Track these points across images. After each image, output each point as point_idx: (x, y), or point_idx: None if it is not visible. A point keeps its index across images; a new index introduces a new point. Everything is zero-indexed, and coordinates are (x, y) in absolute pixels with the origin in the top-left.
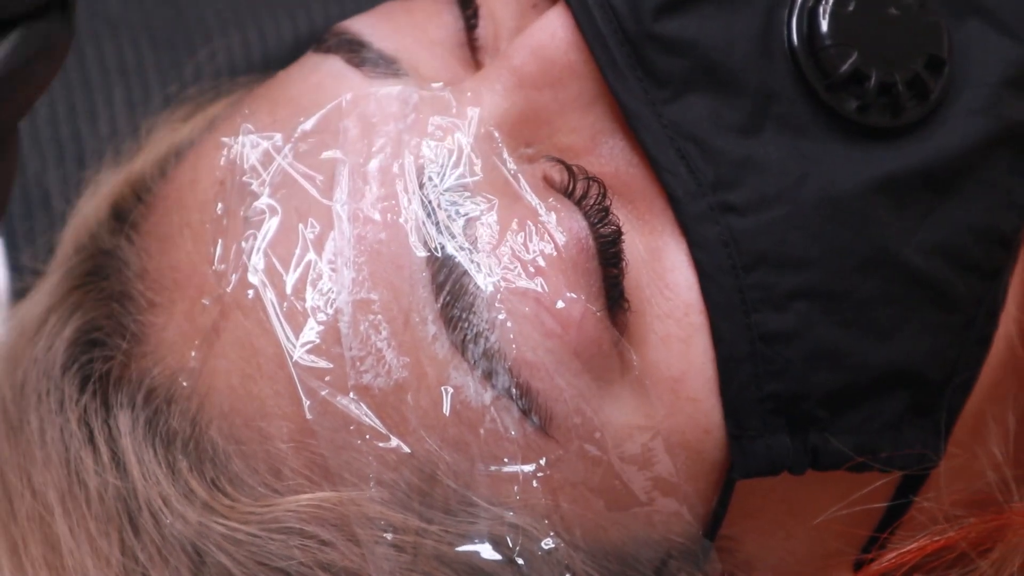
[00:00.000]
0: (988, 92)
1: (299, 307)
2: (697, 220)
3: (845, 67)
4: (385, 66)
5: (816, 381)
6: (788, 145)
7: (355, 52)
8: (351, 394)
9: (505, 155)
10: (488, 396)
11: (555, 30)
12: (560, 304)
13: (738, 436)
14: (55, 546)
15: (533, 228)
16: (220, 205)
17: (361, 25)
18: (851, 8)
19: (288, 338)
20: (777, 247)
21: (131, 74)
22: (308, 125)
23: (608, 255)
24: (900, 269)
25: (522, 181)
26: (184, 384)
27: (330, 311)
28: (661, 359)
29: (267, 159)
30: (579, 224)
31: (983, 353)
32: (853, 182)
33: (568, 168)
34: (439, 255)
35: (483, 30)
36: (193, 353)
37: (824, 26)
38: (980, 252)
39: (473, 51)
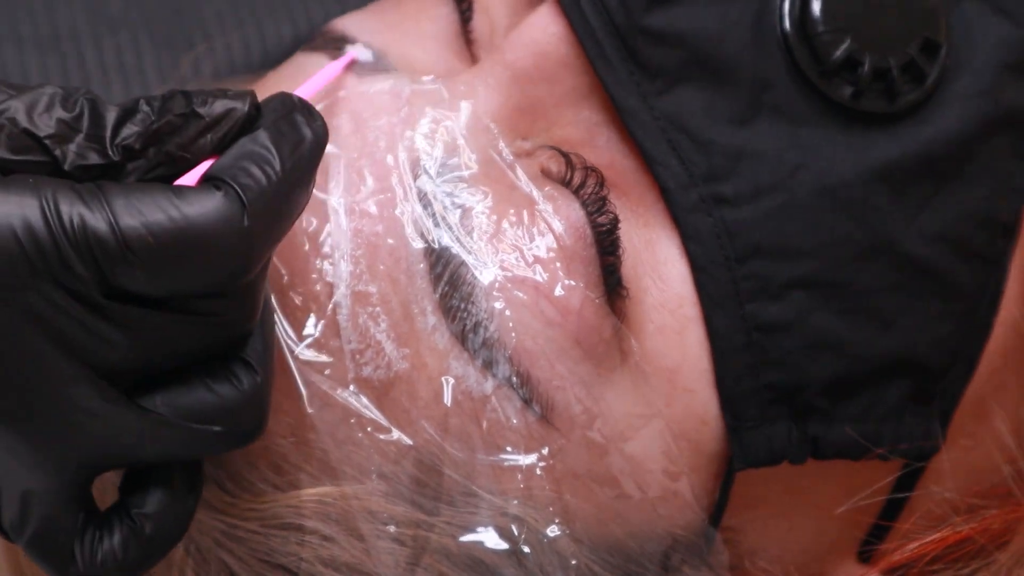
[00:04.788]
0: (986, 76)
1: (297, 302)
2: (689, 212)
3: (838, 53)
4: (374, 62)
5: (815, 370)
6: (783, 134)
7: (342, 49)
8: (351, 387)
9: (501, 146)
10: (489, 386)
11: (547, 25)
12: (559, 292)
13: (736, 427)
14: None
15: (530, 217)
16: None
17: (348, 23)
18: None
19: (287, 333)
20: (772, 237)
21: (131, 74)
22: None
23: (605, 243)
24: (900, 257)
25: (518, 171)
26: None
27: (328, 305)
28: (658, 349)
29: None
30: (576, 213)
31: (984, 340)
32: (850, 169)
33: (566, 157)
34: (436, 246)
35: (478, 23)
36: None
37: (817, 12)
38: (981, 238)
39: (468, 44)
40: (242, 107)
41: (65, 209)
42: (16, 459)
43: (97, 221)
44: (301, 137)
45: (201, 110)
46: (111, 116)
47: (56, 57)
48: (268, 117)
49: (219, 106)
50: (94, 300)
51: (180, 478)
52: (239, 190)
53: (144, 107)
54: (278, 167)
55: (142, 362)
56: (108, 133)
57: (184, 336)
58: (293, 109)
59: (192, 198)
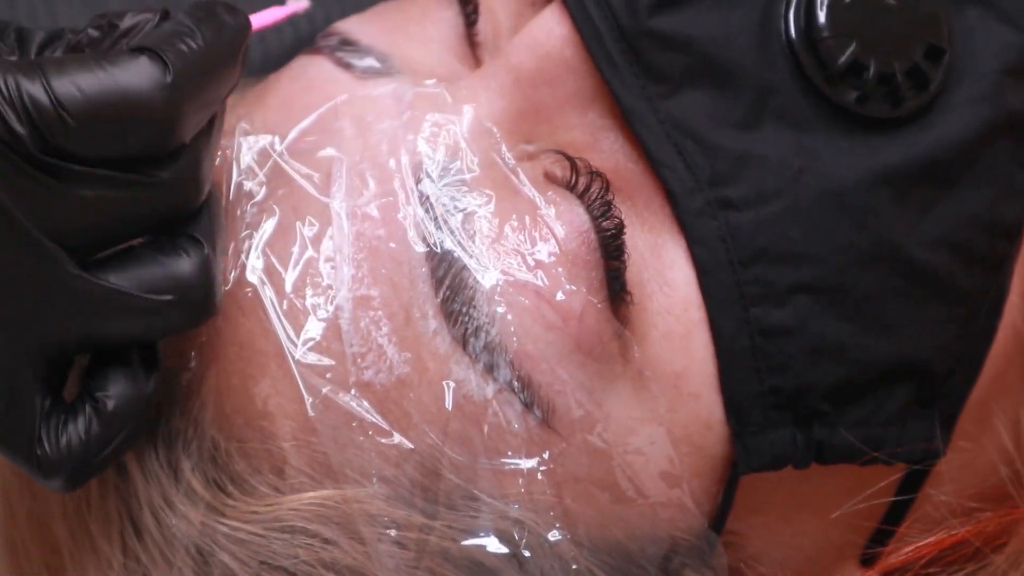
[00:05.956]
0: (989, 81)
1: (299, 305)
2: (695, 216)
3: (843, 58)
4: (378, 65)
5: (818, 375)
6: (787, 138)
7: (344, 52)
8: (353, 391)
9: (503, 150)
10: (490, 390)
11: (552, 27)
12: (560, 296)
13: (740, 431)
14: (55, 548)
15: (532, 221)
16: None
17: (350, 25)
18: None
19: (288, 336)
20: (776, 242)
21: None
22: (304, 124)
23: (610, 248)
24: (902, 262)
25: (521, 175)
26: (185, 385)
27: (330, 308)
28: (663, 354)
29: (263, 159)
30: (580, 217)
31: (987, 345)
32: (854, 174)
33: (571, 161)
34: (438, 250)
35: (483, 26)
36: (193, 354)
37: (822, 17)
38: (984, 243)
39: (473, 47)
40: (154, 17)
41: (1, 77)
42: None
43: (32, 85)
44: (222, 22)
45: (117, 22)
46: (38, 38)
47: None
48: (190, 7)
49: (129, 19)
50: (38, 162)
51: (138, 359)
52: (161, 53)
53: (68, 34)
54: (199, 39)
55: (91, 231)
56: (34, 51)
57: (127, 201)
58: (216, 5)
59: (118, 60)
